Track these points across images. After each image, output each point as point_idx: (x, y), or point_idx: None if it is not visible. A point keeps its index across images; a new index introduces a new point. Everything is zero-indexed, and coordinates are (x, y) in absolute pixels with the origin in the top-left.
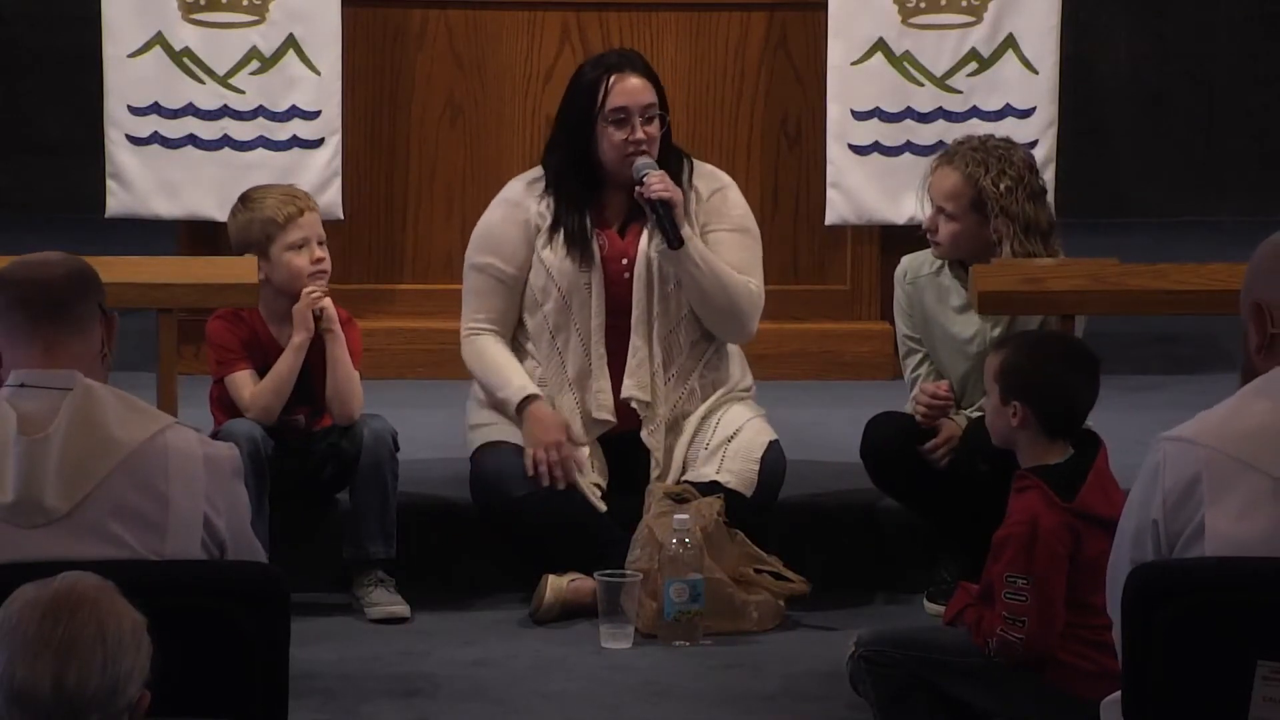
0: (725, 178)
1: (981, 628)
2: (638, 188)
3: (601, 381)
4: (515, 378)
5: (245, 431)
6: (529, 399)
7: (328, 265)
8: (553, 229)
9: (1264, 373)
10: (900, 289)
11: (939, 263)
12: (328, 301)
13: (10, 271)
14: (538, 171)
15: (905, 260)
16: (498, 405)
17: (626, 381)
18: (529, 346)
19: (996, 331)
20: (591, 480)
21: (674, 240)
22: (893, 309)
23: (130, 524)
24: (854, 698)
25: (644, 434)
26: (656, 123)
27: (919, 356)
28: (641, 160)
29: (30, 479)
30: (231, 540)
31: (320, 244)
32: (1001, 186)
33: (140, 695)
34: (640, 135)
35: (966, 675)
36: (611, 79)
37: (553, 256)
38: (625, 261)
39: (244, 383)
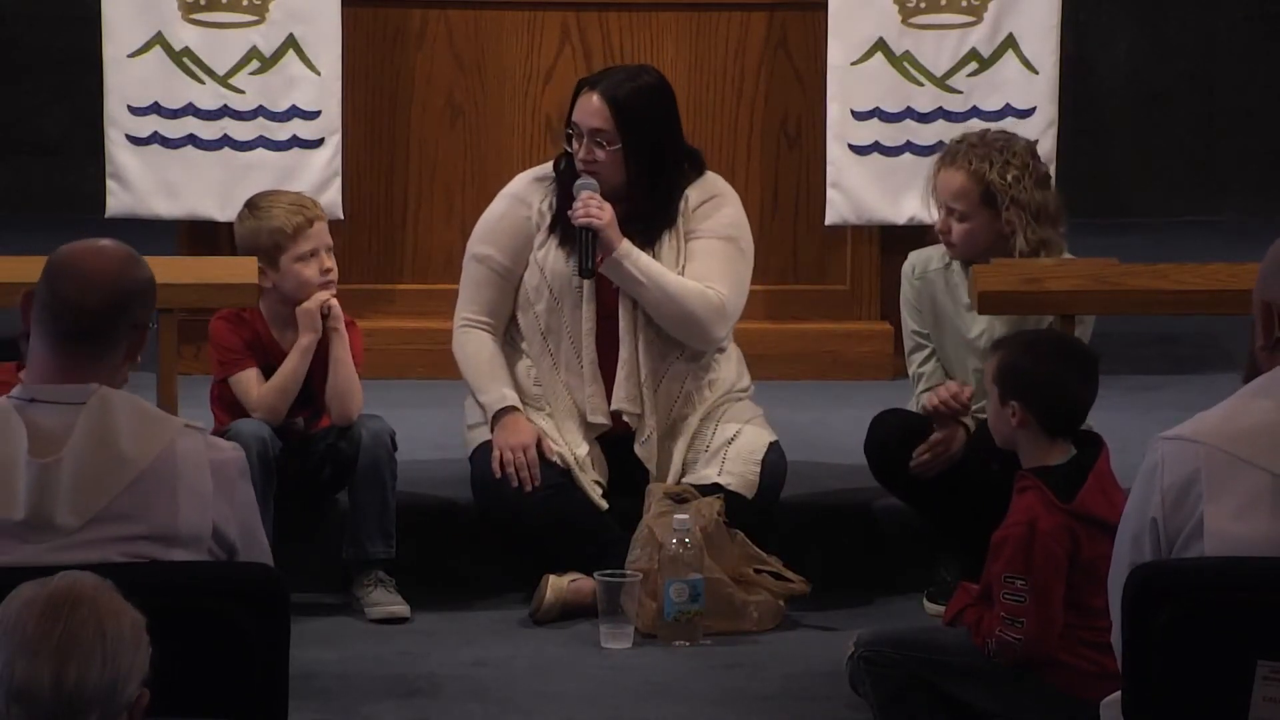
0: (724, 188)
1: (981, 628)
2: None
3: (594, 386)
4: (500, 385)
5: (253, 432)
6: (508, 409)
7: (335, 275)
8: (550, 229)
9: (1267, 370)
10: (908, 284)
11: (948, 257)
12: (334, 301)
13: (55, 274)
14: (546, 168)
15: (913, 256)
16: (480, 405)
17: (616, 393)
18: (523, 345)
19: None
20: (592, 478)
21: (583, 270)
22: (895, 307)
23: (139, 540)
24: (854, 698)
25: (636, 447)
26: (612, 150)
27: (925, 352)
28: (581, 180)
29: (42, 500)
30: (241, 542)
31: (328, 252)
32: (1009, 177)
33: (139, 693)
34: (584, 154)
35: (966, 675)
36: (581, 91)
37: (547, 257)
38: None
39: (250, 382)
